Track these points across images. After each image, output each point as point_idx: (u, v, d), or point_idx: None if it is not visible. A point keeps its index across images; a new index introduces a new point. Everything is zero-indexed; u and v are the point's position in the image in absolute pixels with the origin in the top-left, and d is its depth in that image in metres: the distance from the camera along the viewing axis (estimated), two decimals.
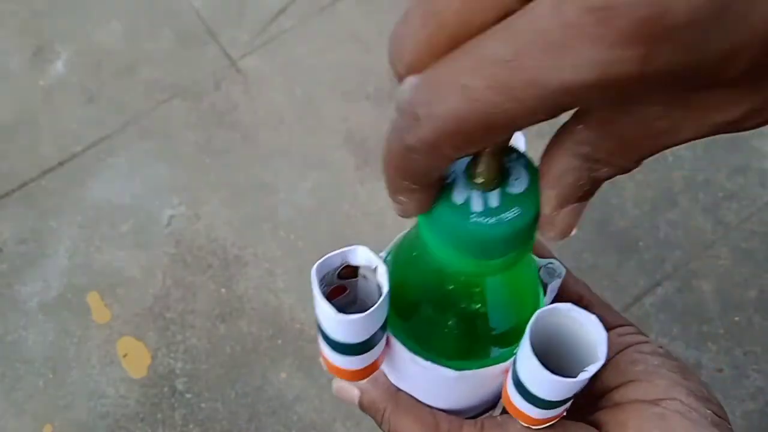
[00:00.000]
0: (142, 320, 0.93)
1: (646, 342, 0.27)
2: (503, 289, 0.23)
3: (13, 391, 0.89)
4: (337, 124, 1.06)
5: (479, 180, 0.18)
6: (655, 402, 0.24)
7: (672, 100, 0.14)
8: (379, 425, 0.27)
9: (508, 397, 0.24)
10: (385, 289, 0.21)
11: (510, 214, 0.18)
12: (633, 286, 0.95)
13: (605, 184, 0.17)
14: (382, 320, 0.22)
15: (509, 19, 0.12)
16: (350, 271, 0.23)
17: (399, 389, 0.27)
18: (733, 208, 1.00)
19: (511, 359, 0.24)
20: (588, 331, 0.21)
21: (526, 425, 0.24)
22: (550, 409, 0.23)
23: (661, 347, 0.27)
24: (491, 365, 0.24)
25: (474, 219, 0.18)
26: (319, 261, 0.22)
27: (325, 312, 0.21)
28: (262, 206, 1.01)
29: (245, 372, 0.90)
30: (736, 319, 0.93)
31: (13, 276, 0.96)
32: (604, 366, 0.27)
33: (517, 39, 0.12)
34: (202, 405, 0.89)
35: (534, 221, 0.18)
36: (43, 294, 0.95)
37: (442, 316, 0.23)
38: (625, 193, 1.01)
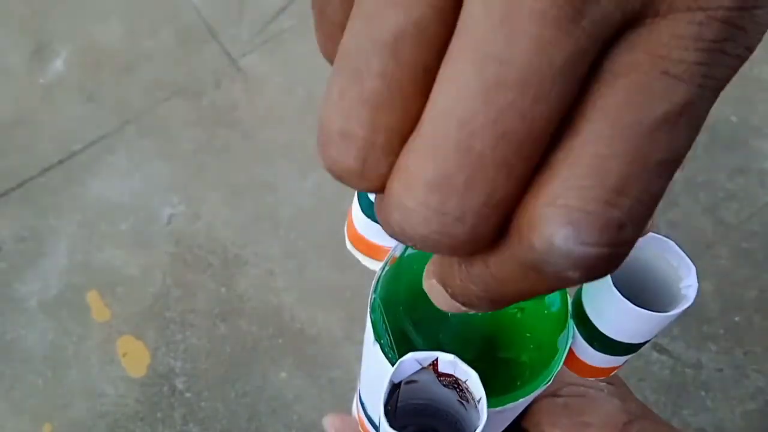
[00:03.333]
0: (142, 319, 0.93)
1: None
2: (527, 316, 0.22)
3: (12, 391, 0.89)
4: None
5: None
6: (555, 394, 0.27)
7: None
8: None
9: (573, 354, 0.22)
10: (484, 401, 0.18)
11: None
12: None
13: None
14: None
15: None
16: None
17: None
18: (733, 209, 1.00)
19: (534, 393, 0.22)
20: (669, 265, 0.19)
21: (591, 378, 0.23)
22: (623, 354, 0.21)
23: None
24: (517, 400, 0.22)
25: None
26: (392, 374, 0.17)
27: None
28: (262, 205, 1.01)
29: (245, 371, 0.90)
30: (736, 319, 0.93)
31: (12, 274, 0.96)
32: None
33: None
34: (202, 404, 0.89)
35: None
36: (43, 293, 0.95)
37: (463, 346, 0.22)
38: None
